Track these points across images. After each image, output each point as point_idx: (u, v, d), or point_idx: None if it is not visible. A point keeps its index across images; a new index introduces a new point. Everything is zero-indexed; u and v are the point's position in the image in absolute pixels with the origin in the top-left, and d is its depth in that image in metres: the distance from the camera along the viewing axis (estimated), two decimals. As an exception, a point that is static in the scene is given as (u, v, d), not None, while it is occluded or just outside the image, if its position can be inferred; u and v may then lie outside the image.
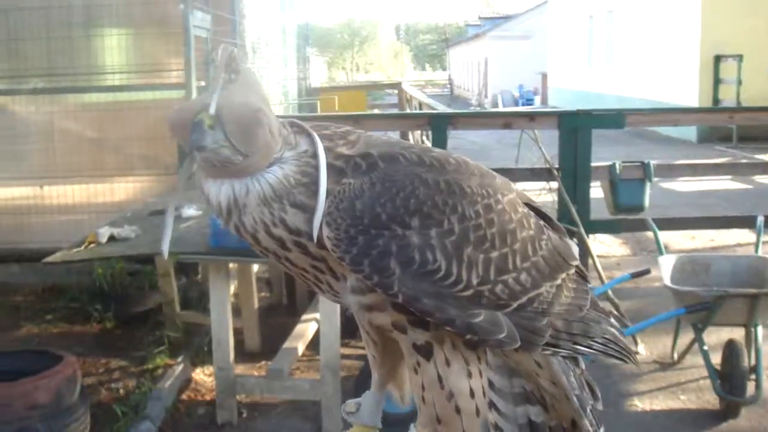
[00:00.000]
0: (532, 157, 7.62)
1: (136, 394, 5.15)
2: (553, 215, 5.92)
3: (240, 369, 5.34)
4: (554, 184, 7.11)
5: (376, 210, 0.93)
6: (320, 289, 1.05)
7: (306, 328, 5.35)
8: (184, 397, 5.29)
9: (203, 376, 5.57)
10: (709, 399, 5.15)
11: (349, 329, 4.72)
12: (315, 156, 0.96)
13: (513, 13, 51.50)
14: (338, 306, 3.96)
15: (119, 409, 4.89)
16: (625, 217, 7.11)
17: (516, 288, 1.04)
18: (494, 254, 1.01)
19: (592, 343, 1.18)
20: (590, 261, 6.78)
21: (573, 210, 6.82)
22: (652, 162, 6.97)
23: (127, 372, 5.63)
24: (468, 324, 0.99)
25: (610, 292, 6.22)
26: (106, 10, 7.74)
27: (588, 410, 1.19)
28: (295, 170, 0.96)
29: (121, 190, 7.75)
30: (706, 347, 5.06)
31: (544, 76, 37.20)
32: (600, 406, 1.26)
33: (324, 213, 0.93)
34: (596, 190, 7.21)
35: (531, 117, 7.43)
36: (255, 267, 6.43)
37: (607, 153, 9.21)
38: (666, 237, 8.21)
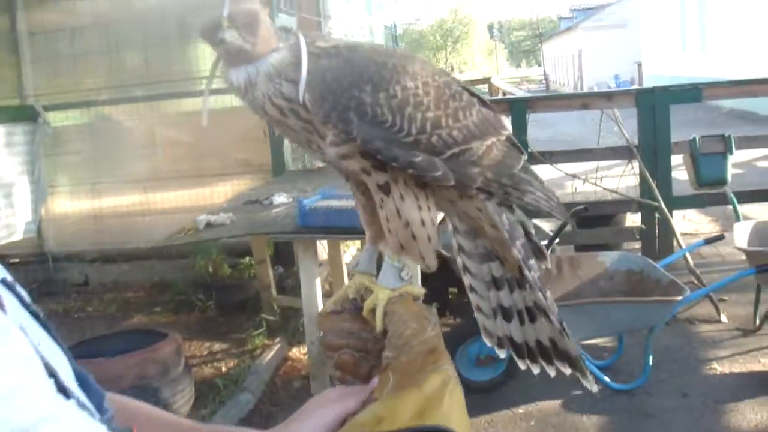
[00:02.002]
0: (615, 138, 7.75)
1: (236, 370, 5.57)
2: (635, 193, 6.07)
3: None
4: (636, 163, 7.22)
5: (339, 80, 1.28)
6: (311, 148, 1.38)
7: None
8: (281, 372, 5.66)
9: (299, 354, 5.93)
10: (790, 362, 5.23)
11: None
12: (299, 46, 1.30)
13: (605, 2, 50.67)
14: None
15: (221, 383, 5.31)
16: (708, 192, 7.15)
17: (449, 140, 1.37)
18: (429, 114, 1.34)
19: (522, 195, 1.49)
20: (674, 237, 6.89)
21: (653, 186, 6.92)
22: (733, 135, 7.00)
23: (228, 353, 6.06)
24: (410, 161, 1.32)
25: (690, 261, 6.32)
26: (198, 21, 8.16)
27: (517, 243, 1.48)
28: (287, 54, 1.30)
29: (220, 191, 8.16)
30: (782, 308, 5.15)
31: (640, 65, 36.59)
32: (547, 265, 1.54)
33: (305, 83, 1.27)
34: (683, 172, 7.29)
35: (608, 97, 7.55)
36: (346, 256, 6.77)
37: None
38: (755, 212, 8.20)
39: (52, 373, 0.85)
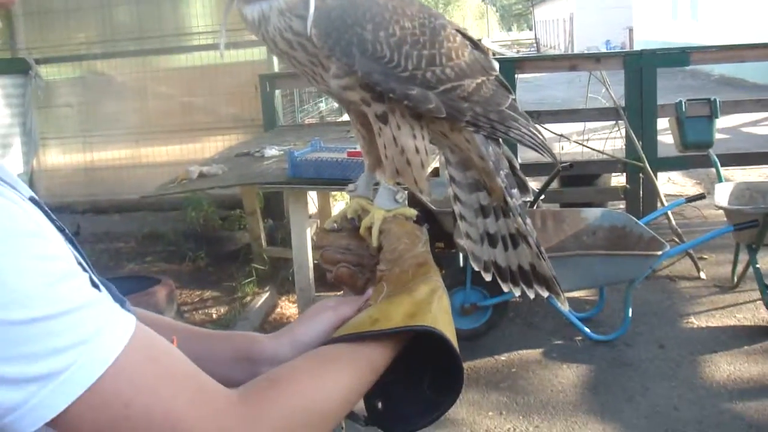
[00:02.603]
0: (601, 100, 7.86)
1: (227, 316, 5.73)
2: (621, 154, 6.20)
3: (320, 293, 5.80)
4: (623, 125, 7.33)
5: (344, 17, 1.38)
6: (316, 81, 1.47)
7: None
8: (270, 319, 5.81)
9: (288, 303, 6.07)
10: (764, 317, 5.39)
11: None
12: None
13: (598, -32, 50.40)
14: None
15: (212, 328, 5.44)
16: (692, 154, 7.27)
17: (442, 77, 1.48)
18: (425, 52, 1.45)
19: (508, 130, 1.61)
20: (657, 198, 7.02)
21: (639, 147, 7.03)
22: (718, 99, 7.11)
23: (219, 300, 6.20)
24: (405, 94, 1.42)
25: (672, 220, 6.46)
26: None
27: (501, 172, 1.59)
28: None
29: (211, 146, 8.23)
30: (758, 265, 5.30)
31: (631, 31, 36.57)
32: (528, 198, 1.70)
33: (312, 19, 1.35)
34: (668, 137, 7.41)
35: (596, 59, 7.62)
36: (335, 209, 6.88)
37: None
38: (738, 176, 8.34)
39: (85, 269, 0.96)
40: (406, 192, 1.57)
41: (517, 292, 1.66)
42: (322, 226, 1.62)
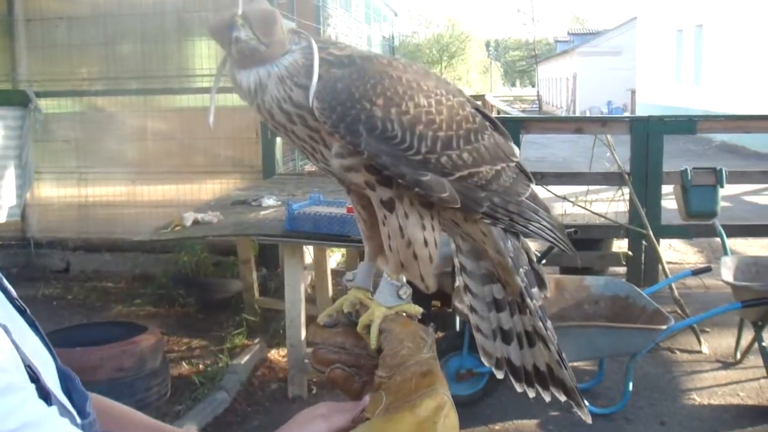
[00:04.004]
0: (605, 163, 7.77)
1: (214, 368, 5.53)
2: (624, 218, 6.08)
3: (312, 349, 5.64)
4: (626, 189, 7.23)
5: (351, 90, 1.24)
6: (315, 158, 1.34)
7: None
8: (258, 373, 5.61)
9: (278, 356, 5.89)
10: (768, 397, 5.24)
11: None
12: (312, 50, 1.27)
13: (603, 29, 51.00)
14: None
15: (198, 379, 5.27)
16: (697, 223, 7.16)
17: (458, 162, 1.33)
18: (441, 134, 1.31)
19: (527, 223, 1.47)
20: (659, 265, 6.90)
21: (642, 214, 6.93)
22: (724, 168, 7.02)
23: (207, 350, 6.01)
24: (416, 180, 1.28)
25: (674, 291, 6.33)
26: (197, 18, 8.15)
27: (521, 270, 1.45)
28: (300, 57, 1.26)
29: (208, 188, 8.14)
30: (765, 344, 5.15)
31: (633, 93, 36.85)
32: (546, 294, 1.53)
33: (315, 90, 1.23)
34: (672, 202, 7.32)
35: (603, 122, 7.56)
36: (331, 261, 6.74)
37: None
38: (741, 246, 8.24)
39: (34, 377, 0.84)
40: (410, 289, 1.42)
41: (531, 394, 1.51)
42: (315, 323, 1.45)
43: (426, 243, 1.36)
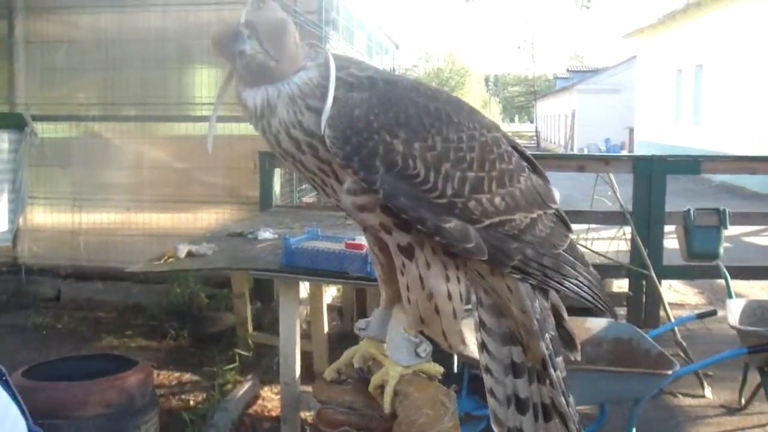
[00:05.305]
0: (607, 202, 7.68)
1: (204, 405, 5.37)
2: (625, 257, 5.96)
3: (306, 388, 5.47)
4: (628, 229, 7.13)
5: (369, 118, 1.08)
6: (325, 192, 1.18)
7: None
8: (250, 411, 5.46)
9: (271, 394, 5.73)
10: (774, 445, 5.09)
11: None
12: (329, 67, 1.12)
13: (602, 67, 51.19)
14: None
15: (188, 417, 5.10)
16: (699, 264, 7.05)
17: (489, 208, 1.17)
18: (470, 174, 1.15)
19: (563, 280, 1.29)
20: (661, 306, 6.78)
21: (644, 253, 6.82)
22: (728, 210, 6.93)
23: (198, 385, 5.85)
24: (438, 227, 1.12)
25: (677, 333, 6.20)
26: (198, 47, 8.07)
27: (546, 336, 1.29)
28: (316, 75, 1.11)
29: (203, 218, 8.03)
30: (771, 391, 5.02)
31: (631, 131, 36.88)
32: (577, 357, 1.37)
33: (328, 115, 1.08)
34: (673, 241, 7.21)
35: (606, 161, 7.47)
36: (326, 296, 6.60)
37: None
38: (743, 288, 8.10)
39: None
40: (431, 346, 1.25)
41: None
42: (321, 378, 1.28)
43: (450, 296, 1.19)
